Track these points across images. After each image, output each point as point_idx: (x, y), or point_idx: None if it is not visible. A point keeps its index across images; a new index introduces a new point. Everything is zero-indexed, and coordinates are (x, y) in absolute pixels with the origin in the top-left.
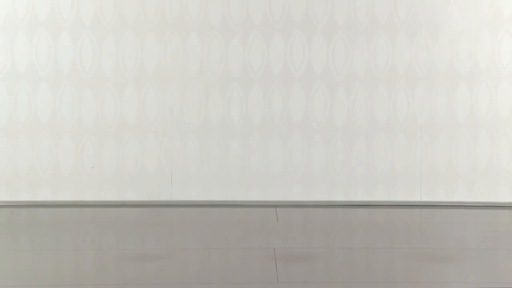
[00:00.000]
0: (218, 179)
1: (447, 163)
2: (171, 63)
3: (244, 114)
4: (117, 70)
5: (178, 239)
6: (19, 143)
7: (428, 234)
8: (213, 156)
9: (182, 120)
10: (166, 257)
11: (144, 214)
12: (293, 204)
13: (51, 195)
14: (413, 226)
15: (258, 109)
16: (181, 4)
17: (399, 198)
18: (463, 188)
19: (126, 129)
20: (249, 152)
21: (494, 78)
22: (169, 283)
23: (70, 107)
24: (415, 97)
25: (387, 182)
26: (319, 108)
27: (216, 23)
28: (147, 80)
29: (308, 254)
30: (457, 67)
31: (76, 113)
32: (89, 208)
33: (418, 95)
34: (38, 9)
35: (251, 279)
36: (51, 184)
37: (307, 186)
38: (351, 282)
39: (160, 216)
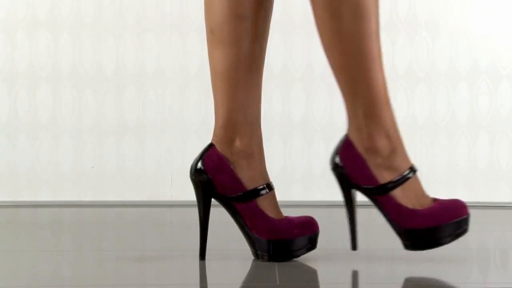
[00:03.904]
0: None
1: (447, 163)
2: (171, 63)
3: None
4: (117, 70)
5: (178, 240)
6: (19, 143)
7: None
8: None
9: (182, 120)
10: (166, 258)
11: (144, 214)
12: (293, 204)
13: (51, 195)
14: None
15: None
16: (181, 4)
17: None
18: (463, 188)
19: (126, 129)
20: None
21: (494, 78)
22: (168, 285)
23: (70, 107)
24: (415, 97)
25: None
26: (319, 108)
27: None
28: (147, 80)
29: (307, 255)
30: (457, 67)
31: (76, 113)
32: (89, 208)
33: (418, 95)
34: (38, 9)
35: (250, 280)
36: (51, 184)
37: (307, 186)
38: (351, 283)
39: (160, 216)
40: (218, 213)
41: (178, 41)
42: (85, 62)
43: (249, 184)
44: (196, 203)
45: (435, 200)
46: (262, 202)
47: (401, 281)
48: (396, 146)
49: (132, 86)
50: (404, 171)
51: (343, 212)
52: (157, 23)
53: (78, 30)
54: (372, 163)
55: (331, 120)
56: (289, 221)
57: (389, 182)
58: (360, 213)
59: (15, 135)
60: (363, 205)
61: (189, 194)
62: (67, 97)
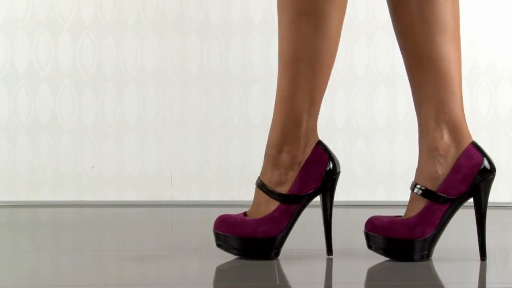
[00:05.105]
0: (218, 179)
1: None
2: (171, 63)
3: (244, 114)
4: (117, 70)
5: (178, 240)
6: (19, 143)
7: None
8: (213, 156)
9: (182, 120)
10: (166, 258)
11: (144, 214)
12: None
13: (51, 195)
14: None
15: (258, 109)
16: (181, 4)
17: (399, 198)
18: None
19: (126, 129)
20: (249, 152)
21: (494, 78)
22: (168, 284)
23: (70, 107)
24: None
25: (387, 182)
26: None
27: (216, 23)
28: (147, 80)
29: (308, 255)
30: None
31: (76, 113)
32: (89, 208)
33: None
34: (38, 9)
35: (250, 280)
36: (51, 184)
37: None
38: (351, 283)
39: (160, 216)
40: (219, 213)
41: (178, 41)
42: (85, 62)
43: None
44: (196, 203)
45: None
46: None
47: (401, 281)
48: None
49: (132, 86)
50: None
51: (342, 212)
52: (157, 23)
53: (78, 30)
54: None
55: (331, 120)
56: None
57: None
58: (360, 213)
59: (15, 135)
60: (363, 205)
61: (189, 194)
62: (67, 97)
